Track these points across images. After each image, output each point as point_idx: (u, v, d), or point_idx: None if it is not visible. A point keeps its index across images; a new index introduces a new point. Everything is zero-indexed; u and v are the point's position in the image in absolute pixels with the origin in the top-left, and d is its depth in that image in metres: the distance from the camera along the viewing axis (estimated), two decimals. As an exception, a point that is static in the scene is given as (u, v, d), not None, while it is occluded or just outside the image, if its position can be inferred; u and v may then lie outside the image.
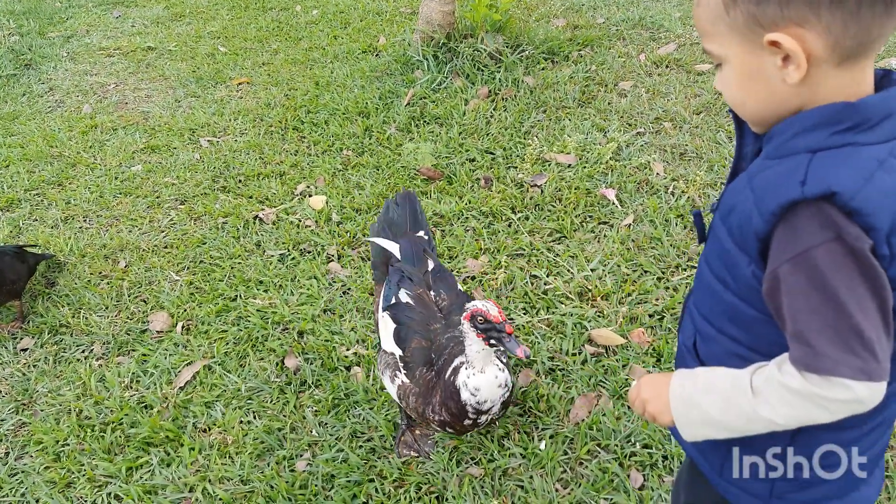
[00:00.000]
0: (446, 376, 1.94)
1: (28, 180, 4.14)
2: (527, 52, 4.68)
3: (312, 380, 2.69)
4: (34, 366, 2.90)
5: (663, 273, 2.93)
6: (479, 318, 1.77)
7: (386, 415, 2.49)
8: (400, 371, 2.13)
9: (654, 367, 2.50)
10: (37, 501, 2.37)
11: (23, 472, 2.48)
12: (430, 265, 2.34)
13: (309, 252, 3.39)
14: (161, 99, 5.05)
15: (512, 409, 2.41)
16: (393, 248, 2.37)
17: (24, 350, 2.98)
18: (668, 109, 4.07)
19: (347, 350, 2.79)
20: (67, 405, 2.69)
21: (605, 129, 3.93)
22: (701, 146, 3.70)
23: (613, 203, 3.36)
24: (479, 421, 1.95)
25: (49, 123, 4.83)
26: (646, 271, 2.95)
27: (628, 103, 4.17)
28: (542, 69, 4.61)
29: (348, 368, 2.72)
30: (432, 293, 2.24)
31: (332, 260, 3.31)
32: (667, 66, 4.60)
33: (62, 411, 2.67)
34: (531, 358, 1.67)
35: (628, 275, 2.93)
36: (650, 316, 2.72)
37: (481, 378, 1.86)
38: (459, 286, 2.38)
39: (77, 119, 4.85)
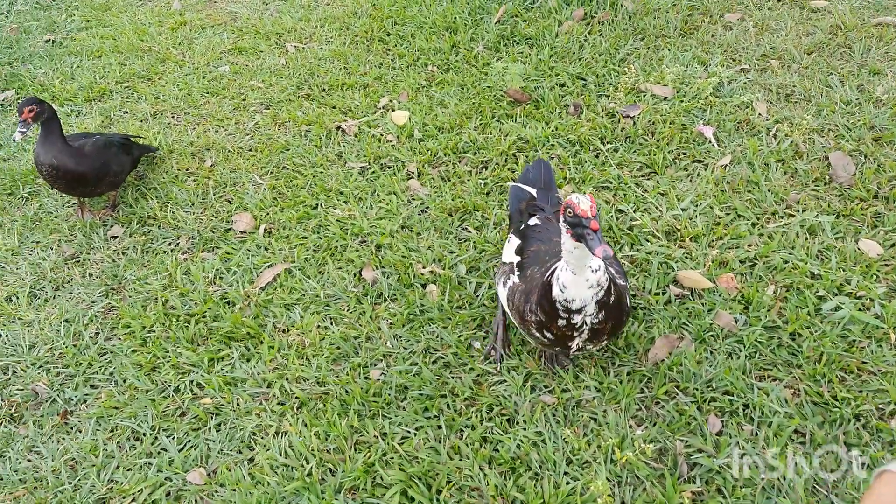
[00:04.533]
0: (546, 275, 1.96)
1: (119, 72, 4.20)
2: (628, -25, 4.41)
3: (388, 293, 2.71)
4: (123, 253, 3.00)
5: (758, 219, 2.80)
6: (569, 210, 1.70)
7: (459, 335, 2.50)
8: (514, 274, 2.18)
9: (741, 314, 2.42)
10: (124, 381, 2.49)
11: (111, 352, 2.60)
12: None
13: (389, 167, 3.36)
14: (249, 0, 4.99)
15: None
16: (531, 190, 2.49)
17: (114, 238, 3.08)
18: (776, 46, 3.81)
19: (424, 268, 2.78)
20: (154, 294, 2.78)
21: (707, 63, 3.71)
22: (810, 88, 3.46)
23: (710, 141, 3.20)
24: (573, 321, 1.90)
25: (140, 17, 4.85)
26: (740, 215, 2.82)
27: (734, 37, 3.91)
28: (644, -6, 4.35)
29: (424, 286, 2.72)
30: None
31: (412, 177, 3.28)
32: (779, 0, 4.28)
33: (149, 299, 2.77)
34: (609, 258, 1.59)
35: (720, 218, 2.81)
36: (741, 262, 2.62)
37: (570, 275, 1.83)
38: None
39: (167, 14, 4.85)
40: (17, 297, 2.83)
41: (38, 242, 3.10)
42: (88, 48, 4.49)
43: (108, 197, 3.25)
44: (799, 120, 3.22)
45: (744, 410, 2.15)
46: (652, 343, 2.36)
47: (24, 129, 2.77)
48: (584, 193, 1.69)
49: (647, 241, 2.75)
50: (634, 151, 3.21)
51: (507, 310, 2.23)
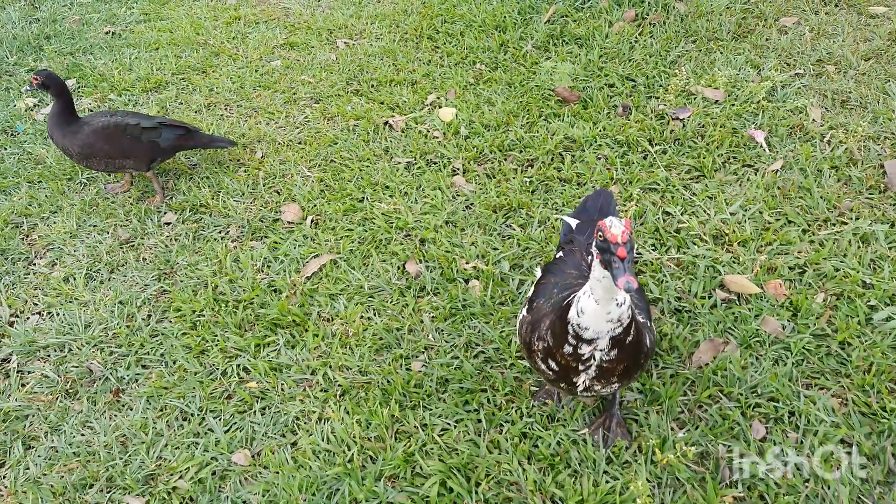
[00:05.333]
0: (565, 301, 1.82)
1: (175, 64, 4.31)
2: (682, -23, 4.36)
3: (431, 287, 2.73)
4: (175, 239, 3.08)
5: (809, 225, 2.75)
6: (600, 233, 1.54)
7: (501, 330, 2.51)
8: (524, 308, 2.07)
9: (789, 321, 2.39)
10: (174, 362, 2.56)
11: (162, 334, 2.68)
12: None
13: (435, 163, 3.39)
14: (301, -4, 5.08)
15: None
16: (572, 222, 2.33)
17: (168, 224, 3.17)
18: (832, 52, 3.73)
19: (467, 263, 2.81)
20: (204, 279, 2.86)
21: (760, 67, 3.65)
22: (866, 95, 3.39)
23: (761, 146, 3.15)
24: (580, 351, 1.73)
25: (196, 11, 4.97)
26: (790, 221, 2.77)
27: (788, 41, 3.85)
28: (697, -4, 4.31)
29: (467, 281, 2.74)
30: (588, 256, 2.09)
31: (458, 173, 3.30)
32: (836, 5, 4.19)
33: (199, 284, 2.85)
34: (632, 291, 1.48)
35: (770, 223, 2.77)
36: (790, 268, 2.58)
37: (591, 303, 1.66)
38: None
39: (222, 9, 4.97)
40: (75, 279, 2.94)
41: (95, 226, 3.20)
42: (146, 40, 4.62)
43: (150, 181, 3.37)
44: (854, 126, 3.15)
45: (789, 418, 2.12)
46: (696, 346, 2.34)
47: (28, 89, 3.14)
48: (623, 218, 1.56)
49: (694, 244, 2.72)
50: (683, 154, 3.18)
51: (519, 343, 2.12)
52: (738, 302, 2.49)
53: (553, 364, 1.82)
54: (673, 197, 2.96)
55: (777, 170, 3.02)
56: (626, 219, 1.59)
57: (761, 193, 2.90)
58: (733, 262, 2.63)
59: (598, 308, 1.66)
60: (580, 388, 1.83)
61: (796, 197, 2.87)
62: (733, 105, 3.40)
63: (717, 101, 3.45)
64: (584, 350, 1.73)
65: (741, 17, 4.07)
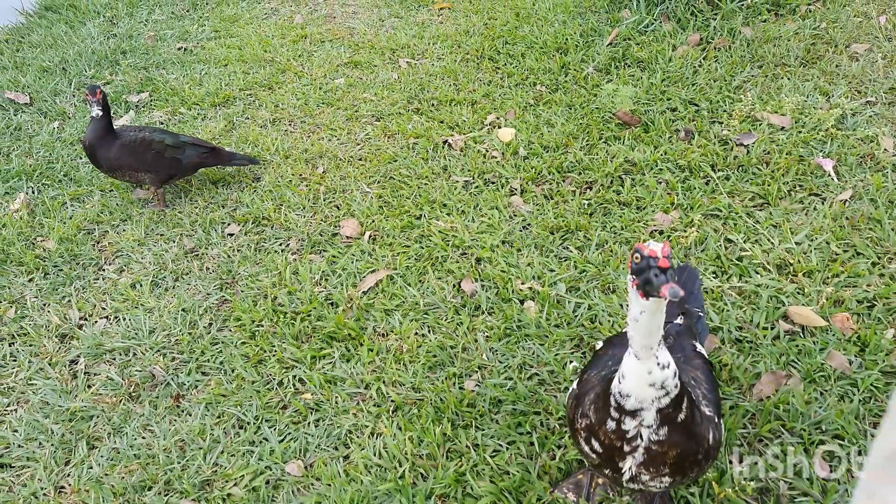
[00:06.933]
0: (610, 372, 1.66)
1: (243, 80, 4.45)
2: (748, 1, 4.30)
3: (486, 306, 2.74)
4: (238, 250, 3.17)
5: (879, 258, 2.66)
6: (636, 255, 1.35)
7: (556, 353, 2.49)
8: (575, 381, 1.89)
9: (856, 356, 2.30)
10: (232, 371, 2.62)
11: (222, 343, 2.75)
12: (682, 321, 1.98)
13: (493, 182, 3.40)
14: (366, 16, 5.19)
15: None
16: None
17: (231, 235, 3.26)
18: (907, 79, 3.62)
19: (523, 284, 2.80)
20: (264, 290, 2.92)
21: (829, 94, 3.56)
22: (943, 125, 3.27)
23: (829, 175, 3.07)
24: (624, 427, 1.52)
25: (264, 29, 5.13)
26: (859, 253, 2.69)
27: (860, 68, 3.74)
28: (764, 21, 4.23)
29: (522, 302, 2.74)
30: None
31: (515, 193, 3.31)
32: (912, 31, 4.07)
33: (259, 295, 2.92)
34: (677, 298, 1.27)
35: (837, 254, 2.69)
36: (858, 302, 2.49)
37: (632, 361, 1.48)
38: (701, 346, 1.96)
39: (289, 28, 5.12)
40: (141, 285, 3.04)
41: (161, 235, 3.32)
42: (216, 56, 4.79)
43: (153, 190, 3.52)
44: (930, 157, 3.05)
45: (856, 456, 2.04)
46: (757, 378, 2.28)
47: (98, 108, 3.21)
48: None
49: (757, 272, 2.66)
50: (747, 181, 3.12)
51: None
52: (802, 334, 2.42)
53: (596, 444, 1.60)
54: (735, 224, 2.90)
55: (846, 200, 2.93)
56: (667, 242, 1.44)
57: (828, 223, 2.82)
58: (798, 292, 2.56)
59: (639, 366, 1.46)
60: (626, 477, 1.59)
61: (866, 228, 2.78)
62: (800, 132, 3.32)
63: (783, 127, 3.37)
64: (629, 425, 1.51)
65: (810, 43, 3.99)
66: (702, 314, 2.07)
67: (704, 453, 1.58)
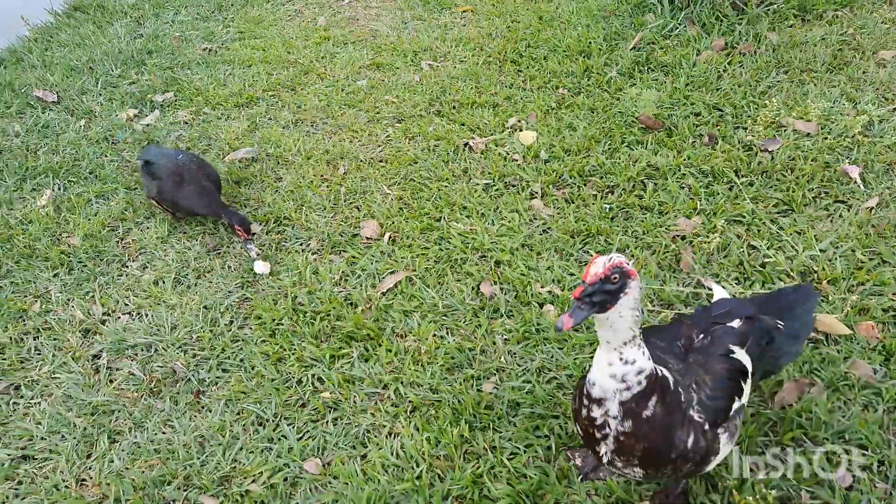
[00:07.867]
0: None
1: (266, 82, 4.49)
2: (775, 6, 4.26)
3: (505, 309, 2.73)
4: (259, 249, 3.19)
5: (906, 267, 2.62)
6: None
7: (575, 358, 2.48)
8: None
9: (881, 365, 2.27)
10: (252, 368, 2.64)
11: (243, 340, 2.77)
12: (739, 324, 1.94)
13: (514, 185, 3.40)
14: (389, 19, 5.22)
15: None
16: (719, 292, 2.21)
17: (253, 234, 3.28)
18: (936, 86, 3.56)
19: (542, 287, 2.79)
20: (285, 289, 2.94)
21: (856, 100, 3.52)
22: (973, 132, 3.21)
23: (855, 182, 3.03)
24: (592, 414, 1.64)
25: (288, 31, 5.17)
26: (885, 261, 2.65)
27: (887, 75, 3.69)
28: (790, 26, 4.19)
29: (541, 305, 2.73)
30: (701, 335, 1.89)
31: (536, 197, 3.30)
32: (941, 37, 4.00)
33: (279, 294, 2.94)
34: (560, 330, 1.45)
35: (863, 262, 2.65)
36: (884, 311, 2.45)
37: (599, 354, 1.61)
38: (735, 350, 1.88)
39: (312, 30, 5.15)
40: (164, 282, 3.07)
41: (184, 233, 3.35)
42: (240, 57, 4.83)
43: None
44: (959, 165, 3.00)
45: (878, 467, 2.01)
46: (780, 386, 2.26)
47: (252, 246, 3.15)
48: (622, 252, 1.40)
49: (780, 279, 2.63)
50: (771, 187, 3.09)
51: None
52: (825, 342, 2.39)
53: (579, 428, 1.77)
54: (759, 230, 2.87)
55: (872, 207, 2.89)
56: (630, 269, 1.48)
57: (854, 231, 2.78)
58: (822, 300, 2.53)
59: (602, 355, 1.59)
60: (605, 460, 1.71)
61: (892, 236, 2.74)
62: (826, 138, 3.28)
63: (808, 133, 3.34)
64: (596, 413, 1.63)
65: (837, 49, 3.94)
66: (784, 330, 1.98)
67: (680, 455, 1.65)
